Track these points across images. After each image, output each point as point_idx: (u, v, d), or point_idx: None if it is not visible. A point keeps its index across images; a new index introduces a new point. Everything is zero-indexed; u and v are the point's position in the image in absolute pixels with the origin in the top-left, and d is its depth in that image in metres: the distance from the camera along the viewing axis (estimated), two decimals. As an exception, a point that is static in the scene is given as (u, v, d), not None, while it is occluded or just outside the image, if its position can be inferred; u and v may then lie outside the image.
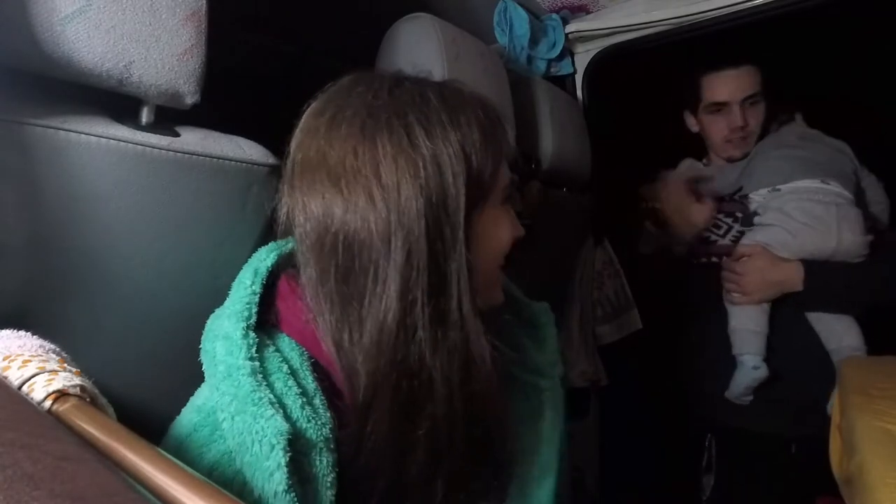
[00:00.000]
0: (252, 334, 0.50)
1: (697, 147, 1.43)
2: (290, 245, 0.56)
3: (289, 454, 0.44)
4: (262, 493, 0.44)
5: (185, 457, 0.47)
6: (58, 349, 0.44)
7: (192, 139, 0.60)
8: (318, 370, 0.52)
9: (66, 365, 0.41)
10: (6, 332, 0.44)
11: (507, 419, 0.56)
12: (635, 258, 1.45)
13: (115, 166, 0.54)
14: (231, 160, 0.62)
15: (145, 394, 0.59)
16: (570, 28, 1.46)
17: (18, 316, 0.48)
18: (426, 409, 0.50)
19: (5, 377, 0.38)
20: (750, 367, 1.20)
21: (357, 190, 0.49)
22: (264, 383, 0.47)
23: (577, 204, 1.46)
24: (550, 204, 1.26)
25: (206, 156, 0.60)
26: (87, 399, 0.39)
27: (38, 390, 0.37)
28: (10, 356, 0.40)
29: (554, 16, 1.44)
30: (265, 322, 0.53)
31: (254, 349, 0.49)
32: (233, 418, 0.46)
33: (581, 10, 1.46)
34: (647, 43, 1.45)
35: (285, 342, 0.52)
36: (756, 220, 1.26)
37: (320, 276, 0.50)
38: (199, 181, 0.60)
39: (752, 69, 1.28)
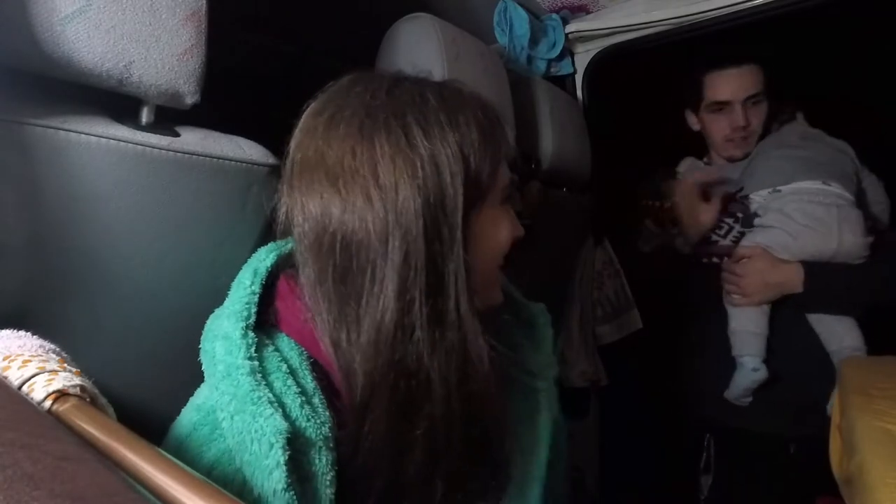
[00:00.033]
0: (251, 334, 0.50)
1: (698, 146, 1.43)
2: (289, 245, 0.57)
3: (288, 453, 0.44)
4: (261, 491, 0.44)
5: (186, 456, 0.48)
6: (58, 349, 0.44)
7: (192, 139, 0.60)
8: (317, 369, 0.52)
9: (66, 365, 0.41)
10: (6, 332, 0.44)
11: (505, 419, 0.56)
12: (635, 258, 1.45)
13: (115, 166, 0.54)
14: (231, 160, 0.62)
15: (145, 394, 0.59)
16: (570, 28, 1.46)
17: (18, 316, 0.48)
18: (424, 410, 0.50)
19: (5, 377, 0.38)
20: (750, 368, 1.19)
21: (355, 190, 0.49)
22: (263, 382, 0.47)
23: (577, 204, 1.46)
24: (550, 204, 1.26)
25: (206, 156, 0.60)
26: (87, 399, 0.39)
27: (38, 390, 0.37)
28: (10, 356, 0.40)
29: (554, 16, 1.44)
30: (264, 322, 0.53)
31: (253, 349, 0.49)
32: (232, 417, 0.46)
33: (581, 10, 1.46)
34: (647, 43, 1.45)
35: (284, 342, 0.52)
36: (757, 221, 1.25)
37: (318, 275, 0.50)
38: (199, 181, 0.60)
39: (754, 68, 1.27)
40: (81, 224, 0.54)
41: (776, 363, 1.20)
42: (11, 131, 0.48)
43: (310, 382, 0.51)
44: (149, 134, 0.56)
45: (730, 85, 1.27)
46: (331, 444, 0.49)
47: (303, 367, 0.51)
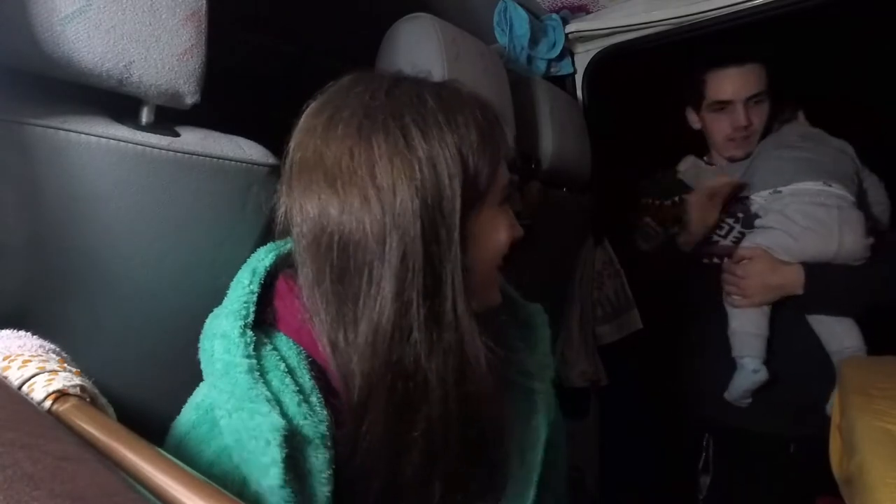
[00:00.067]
0: (249, 333, 0.50)
1: (698, 146, 1.42)
2: (288, 245, 0.57)
3: (285, 450, 0.45)
4: (259, 488, 0.45)
5: (186, 453, 0.48)
6: (58, 349, 0.44)
7: (192, 139, 0.60)
8: (315, 368, 0.52)
9: (66, 365, 0.41)
10: (6, 332, 0.44)
11: (503, 420, 0.56)
12: (635, 258, 1.45)
13: (115, 166, 0.54)
14: (231, 160, 0.62)
15: (145, 394, 0.59)
16: (570, 28, 1.46)
17: (18, 316, 0.48)
18: (421, 411, 0.50)
19: (5, 377, 0.38)
20: (750, 370, 1.19)
21: (352, 191, 0.49)
22: (261, 381, 0.48)
23: (577, 204, 1.46)
24: (550, 204, 1.26)
25: (206, 156, 0.60)
26: (87, 399, 0.39)
27: (38, 390, 0.37)
28: (10, 356, 0.40)
29: (554, 16, 1.44)
30: (263, 321, 0.53)
31: (251, 347, 0.49)
32: (230, 415, 0.46)
33: (581, 10, 1.46)
34: (647, 43, 1.45)
35: (283, 341, 0.52)
36: (757, 222, 1.25)
37: (316, 276, 0.50)
38: (199, 181, 0.60)
39: (757, 67, 1.26)
40: (81, 224, 0.54)
41: (776, 364, 1.20)
42: (11, 131, 0.48)
43: (308, 381, 0.51)
44: (149, 134, 0.56)
45: (732, 84, 1.26)
46: (328, 443, 0.49)
47: (301, 366, 0.51)
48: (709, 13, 1.32)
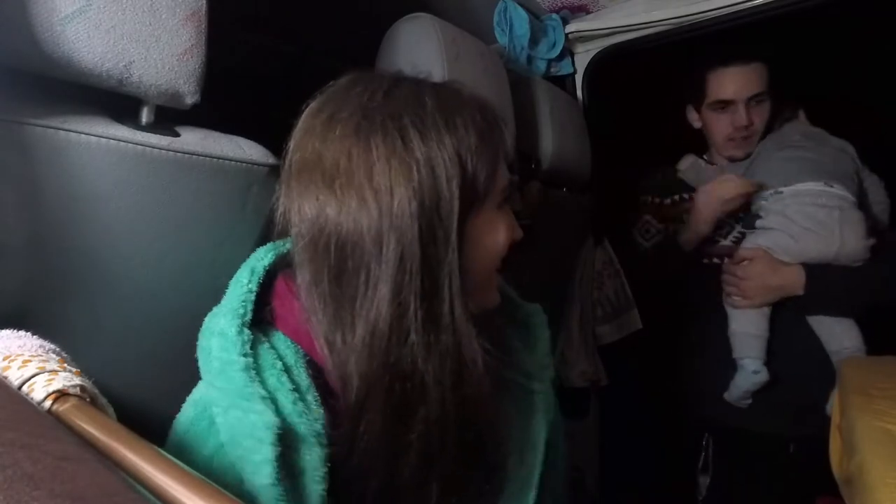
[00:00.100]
0: (247, 331, 0.50)
1: (698, 144, 1.42)
2: (287, 245, 0.57)
3: (278, 449, 0.45)
4: (252, 486, 0.45)
5: (186, 449, 0.48)
6: (58, 349, 0.44)
7: (192, 139, 0.60)
8: (313, 367, 0.52)
9: (66, 365, 0.41)
10: (6, 332, 0.44)
11: (500, 422, 0.56)
12: (635, 258, 1.44)
13: (115, 166, 0.54)
14: (231, 160, 0.62)
15: (145, 394, 0.59)
16: (570, 28, 1.46)
17: (18, 316, 0.48)
18: (419, 413, 0.50)
19: (5, 377, 0.38)
20: (750, 371, 1.19)
21: (350, 192, 0.49)
22: (257, 379, 0.48)
23: (577, 204, 1.46)
24: (550, 204, 1.26)
25: (206, 156, 0.60)
26: (87, 399, 0.39)
27: (38, 390, 0.37)
28: (10, 356, 0.40)
29: (554, 16, 1.44)
30: (261, 320, 0.53)
31: (248, 346, 0.49)
32: (225, 412, 0.47)
33: (581, 10, 1.46)
34: (647, 43, 1.45)
35: (280, 339, 0.53)
36: (758, 222, 1.24)
37: (314, 276, 0.51)
38: (199, 181, 0.60)
39: (759, 66, 1.25)
40: (81, 224, 0.54)
41: (777, 365, 1.20)
42: (11, 131, 0.48)
43: (304, 379, 0.51)
44: (149, 134, 0.56)
45: (734, 83, 1.25)
46: (323, 441, 0.49)
47: (298, 365, 0.51)
48: (709, 13, 1.32)
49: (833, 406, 0.92)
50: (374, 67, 0.94)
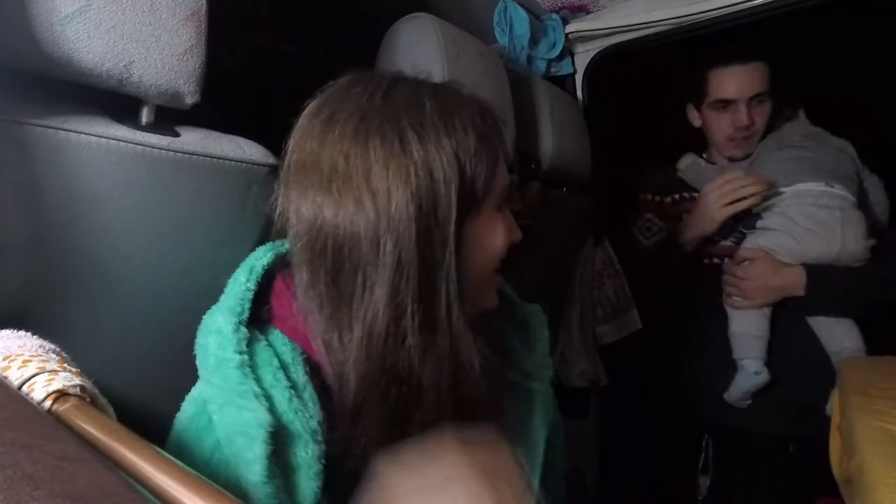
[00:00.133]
0: (243, 329, 0.50)
1: (698, 144, 1.42)
2: (286, 245, 0.57)
3: (270, 447, 0.45)
4: (246, 483, 0.46)
5: (186, 445, 0.49)
6: (58, 349, 0.44)
7: (192, 139, 0.60)
8: (311, 365, 0.53)
9: (66, 365, 0.41)
10: (6, 332, 0.44)
11: (499, 425, 0.56)
12: (635, 257, 1.44)
13: (115, 166, 0.54)
14: (231, 160, 0.62)
15: (145, 394, 0.59)
16: (570, 28, 1.46)
17: (18, 316, 0.48)
18: (416, 416, 0.50)
19: (5, 377, 0.38)
20: (751, 371, 1.19)
21: (347, 194, 0.48)
22: (252, 376, 0.48)
23: (577, 204, 1.46)
24: (550, 204, 1.25)
25: (206, 156, 0.60)
26: (87, 399, 0.39)
27: (38, 390, 0.37)
28: (10, 356, 0.40)
29: (554, 16, 1.44)
30: (260, 319, 0.53)
31: (244, 343, 0.49)
32: (221, 410, 0.47)
33: (581, 10, 1.46)
34: (647, 43, 1.45)
35: (278, 337, 0.53)
36: (759, 223, 1.24)
37: (311, 277, 0.51)
38: (199, 181, 0.60)
39: (761, 66, 1.24)
40: (81, 224, 0.54)
41: (777, 365, 1.20)
42: (11, 131, 0.48)
43: (302, 377, 0.51)
44: (149, 134, 0.56)
45: (736, 83, 1.24)
46: (318, 438, 0.49)
47: (295, 363, 0.52)
48: (709, 13, 1.32)
49: (833, 406, 0.92)
50: (374, 67, 0.94)
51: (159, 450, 0.34)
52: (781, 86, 1.28)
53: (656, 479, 1.49)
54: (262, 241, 0.63)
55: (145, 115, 0.57)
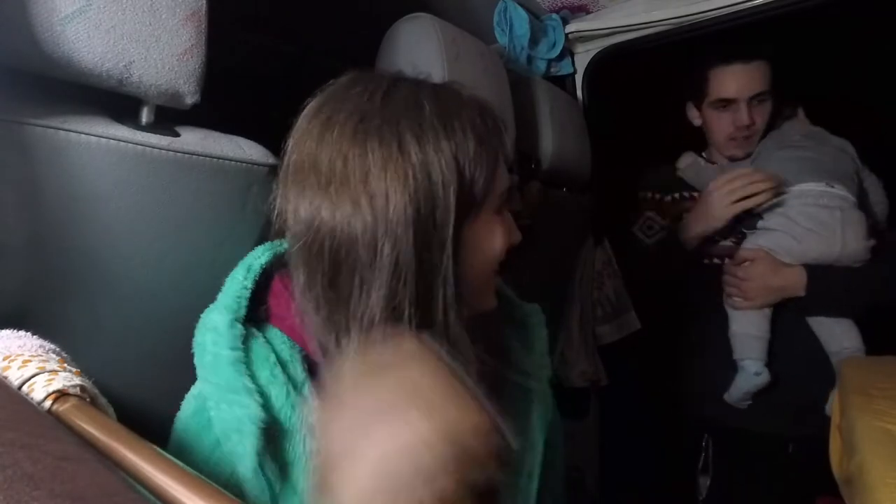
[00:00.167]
0: (239, 326, 0.50)
1: (698, 144, 1.42)
2: (285, 245, 0.57)
3: (261, 442, 0.46)
4: (241, 478, 0.46)
5: (187, 444, 0.49)
6: (58, 349, 0.44)
7: (192, 139, 0.60)
8: (309, 362, 0.53)
9: (66, 365, 0.41)
10: (6, 332, 0.44)
11: None
12: (636, 257, 1.43)
13: (115, 166, 0.54)
14: (231, 160, 0.62)
15: (145, 394, 0.59)
16: (570, 28, 1.46)
17: (18, 316, 0.48)
18: None
19: (5, 377, 0.38)
20: (752, 372, 1.19)
21: (345, 196, 0.48)
22: (246, 373, 0.48)
23: (577, 204, 1.46)
24: (550, 204, 1.25)
25: (206, 156, 0.60)
26: (87, 399, 0.39)
27: (38, 390, 0.37)
28: (10, 356, 0.40)
29: (554, 16, 1.44)
30: (258, 318, 0.54)
31: (238, 340, 0.49)
32: (217, 406, 0.48)
33: (581, 10, 1.46)
34: (647, 43, 1.45)
35: (276, 334, 0.53)
36: (760, 223, 1.24)
37: (308, 278, 0.51)
38: (199, 181, 0.60)
39: (762, 65, 1.23)
40: (81, 224, 0.54)
41: (777, 365, 1.20)
42: (11, 131, 0.48)
43: (301, 374, 0.51)
44: (149, 134, 0.56)
45: (736, 82, 1.24)
46: (316, 433, 0.49)
47: (294, 360, 0.52)
48: (709, 13, 1.32)
49: (833, 406, 0.92)
50: (374, 67, 0.94)
51: (159, 450, 0.34)
52: (781, 85, 1.28)
53: (656, 479, 1.48)
54: (261, 241, 0.63)
55: (145, 115, 0.57)
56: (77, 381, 0.39)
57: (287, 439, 0.48)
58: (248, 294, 0.52)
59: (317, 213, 0.49)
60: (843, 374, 0.94)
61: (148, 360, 0.63)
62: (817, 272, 1.16)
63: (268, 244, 0.58)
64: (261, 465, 0.46)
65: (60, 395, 0.37)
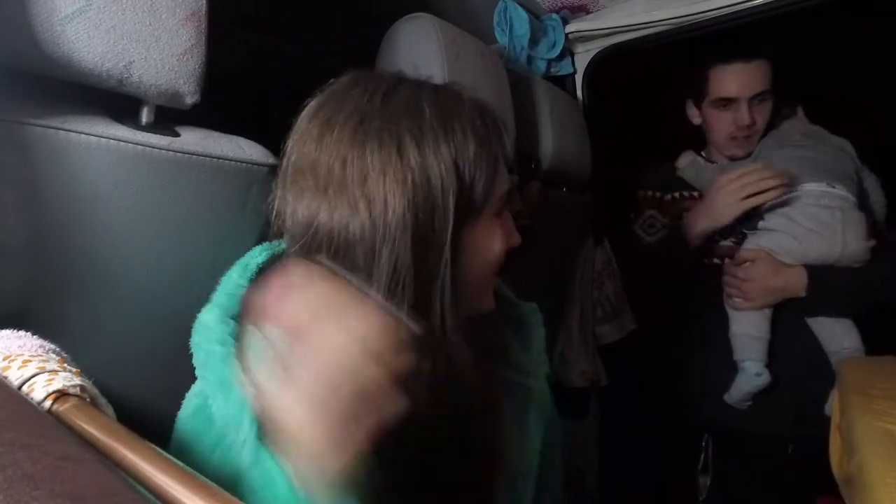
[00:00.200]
0: (232, 322, 0.50)
1: (698, 144, 1.41)
2: (283, 245, 0.57)
3: (254, 431, 0.45)
4: (242, 470, 0.46)
5: (190, 441, 0.49)
6: (58, 349, 0.44)
7: (192, 139, 0.60)
8: None
9: (66, 365, 0.41)
10: (6, 332, 0.44)
11: (492, 430, 0.56)
12: (636, 256, 1.43)
13: (115, 166, 0.54)
14: (231, 160, 0.62)
15: (145, 394, 0.59)
16: (570, 28, 1.46)
17: (18, 316, 0.48)
18: (410, 424, 0.50)
19: (5, 377, 0.38)
20: (752, 373, 1.18)
21: (343, 200, 0.48)
22: (238, 367, 0.48)
23: (577, 204, 1.46)
24: (550, 204, 1.25)
25: (206, 156, 0.60)
26: (87, 399, 0.39)
27: (38, 390, 0.37)
28: (10, 356, 0.40)
29: (554, 16, 1.44)
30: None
31: (229, 335, 0.49)
32: (215, 401, 0.48)
33: (581, 10, 1.46)
34: (647, 43, 1.45)
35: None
36: (760, 224, 1.23)
37: None
38: (199, 181, 0.60)
39: (763, 64, 1.22)
40: (81, 224, 0.54)
41: (778, 366, 1.20)
42: (11, 131, 0.48)
43: None
44: (149, 134, 0.56)
45: (737, 81, 1.23)
46: None
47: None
48: (709, 13, 1.32)
49: (833, 406, 0.92)
50: (374, 67, 0.94)
51: (159, 450, 0.34)
52: (781, 85, 1.28)
53: (656, 479, 1.48)
54: (261, 241, 0.63)
55: (145, 115, 0.57)
56: (77, 381, 0.39)
57: None
58: (241, 291, 0.52)
59: (315, 215, 0.49)
60: (842, 374, 0.94)
61: (148, 360, 0.63)
62: (818, 273, 1.16)
63: (266, 244, 0.58)
64: (260, 454, 0.46)
65: (60, 395, 0.37)
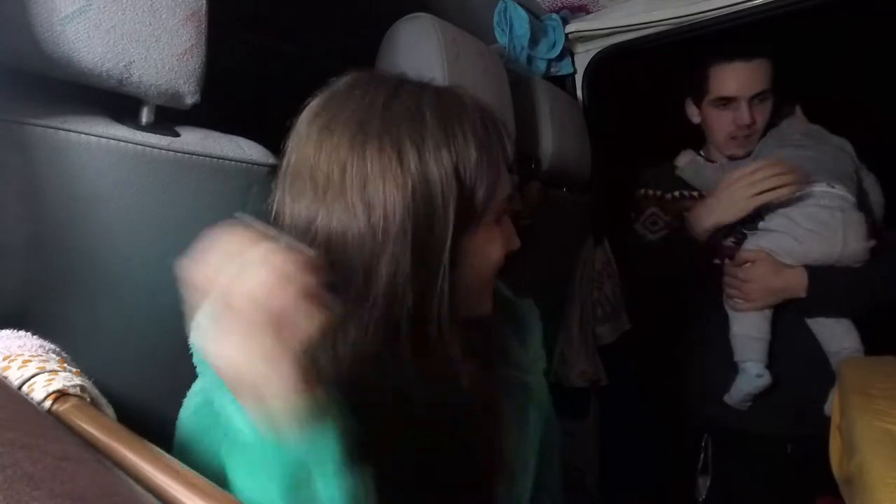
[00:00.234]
0: None
1: (698, 143, 1.41)
2: None
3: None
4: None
5: (194, 440, 0.49)
6: (58, 349, 0.44)
7: (192, 139, 0.60)
8: None
9: (66, 365, 0.41)
10: (6, 332, 0.44)
11: (492, 430, 0.56)
12: (637, 255, 1.42)
13: (115, 166, 0.54)
14: (231, 160, 0.62)
15: (145, 394, 0.59)
16: (570, 28, 1.46)
17: (18, 316, 0.48)
18: (408, 430, 0.50)
19: (5, 377, 0.38)
20: (753, 374, 1.18)
21: (342, 204, 0.48)
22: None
23: (577, 204, 1.46)
24: (550, 204, 1.25)
25: (206, 156, 0.60)
26: (88, 399, 0.39)
27: (38, 390, 0.37)
28: (10, 356, 0.40)
29: (554, 16, 1.44)
30: None
31: None
32: (216, 399, 0.47)
33: (581, 10, 1.46)
34: (647, 43, 1.45)
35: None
36: (760, 224, 1.23)
37: None
38: (199, 181, 0.60)
39: (763, 63, 1.21)
40: (81, 224, 0.54)
41: (778, 366, 1.19)
42: (11, 131, 0.48)
43: None
44: (149, 134, 0.56)
45: (737, 80, 1.22)
46: None
47: None
48: (709, 13, 1.32)
49: (833, 406, 0.92)
50: (374, 67, 0.94)
51: (159, 450, 0.34)
52: (781, 84, 1.27)
53: (656, 479, 1.48)
54: (261, 241, 0.63)
55: (145, 115, 0.57)
56: (77, 381, 0.39)
57: None
58: None
59: (313, 218, 0.49)
60: (842, 375, 0.94)
61: (148, 360, 0.63)
62: (818, 273, 1.16)
63: None
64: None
65: (60, 395, 0.37)
